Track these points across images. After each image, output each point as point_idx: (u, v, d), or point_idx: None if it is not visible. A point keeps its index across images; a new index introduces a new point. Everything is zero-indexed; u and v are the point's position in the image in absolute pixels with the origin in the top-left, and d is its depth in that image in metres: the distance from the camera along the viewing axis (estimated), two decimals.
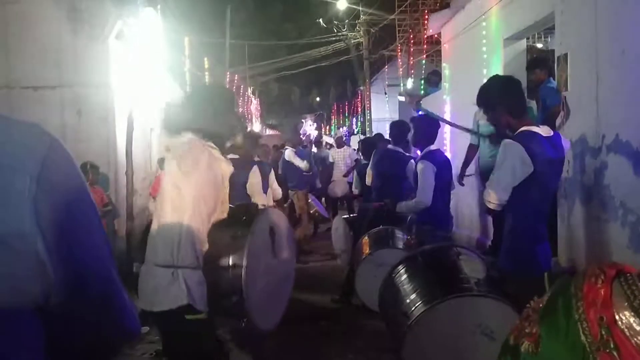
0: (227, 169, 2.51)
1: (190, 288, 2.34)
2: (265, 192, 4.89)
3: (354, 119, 30.55)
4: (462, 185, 6.32)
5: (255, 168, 4.36)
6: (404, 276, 2.98)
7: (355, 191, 7.74)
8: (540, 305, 0.95)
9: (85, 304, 0.80)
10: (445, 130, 8.87)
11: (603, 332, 0.82)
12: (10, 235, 0.69)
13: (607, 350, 0.81)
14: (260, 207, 3.46)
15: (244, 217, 2.74)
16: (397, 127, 6.03)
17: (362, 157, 8.30)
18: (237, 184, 4.08)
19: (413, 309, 2.66)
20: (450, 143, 8.75)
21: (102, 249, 0.83)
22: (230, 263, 2.60)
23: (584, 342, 0.84)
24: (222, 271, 2.61)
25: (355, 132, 27.68)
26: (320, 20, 20.90)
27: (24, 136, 0.76)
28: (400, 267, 3.04)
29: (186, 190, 2.38)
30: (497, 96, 2.97)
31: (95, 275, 0.81)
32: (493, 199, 2.84)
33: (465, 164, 6.46)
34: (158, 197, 2.53)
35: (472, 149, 6.45)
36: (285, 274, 3.20)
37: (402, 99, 14.24)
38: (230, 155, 3.93)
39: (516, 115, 2.93)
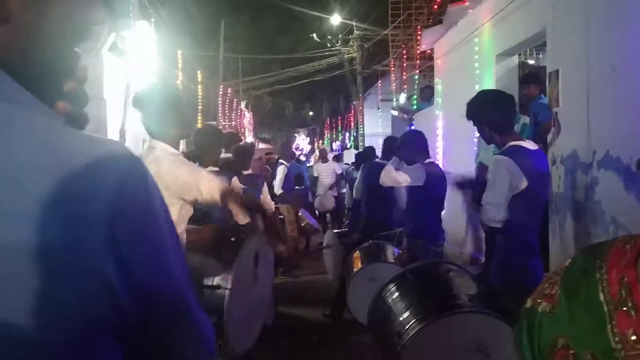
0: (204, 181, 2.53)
1: None
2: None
3: (347, 134, 30.64)
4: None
5: (235, 180, 4.13)
6: (395, 295, 2.96)
7: (348, 206, 7.74)
8: (562, 268, 0.95)
9: (158, 328, 0.79)
10: (438, 146, 8.90)
11: (623, 292, 0.81)
12: (79, 260, 0.67)
13: (625, 309, 0.80)
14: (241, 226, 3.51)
15: (233, 239, 2.74)
16: (386, 143, 6.05)
17: (353, 171, 8.32)
18: None
19: (407, 327, 2.63)
20: (443, 156, 8.77)
21: (176, 271, 0.80)
22: (214, 283, 2.59)
23: (602, 300, 0.82)
24: (205, 290, 2.59)
25: (349, 147, 27.75)
26: (314, 35, 21.04)
27: (101, 157, 0.71)
28: (390, 286, 3.01)
29: (172, 208, 2.39)
30: (482, 111, 2.99)
31: (168, 300, 0.79)
32: (495, 218, 2.81)
33: (478, 185, 6.36)
34: None
35: (484, 168, 6.26)
36: (262, 298, 3.21)
37: (395, 113, 14.29)
38: (210, 168, 3.88)
39: (500, 131, 2.94)
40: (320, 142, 36.79)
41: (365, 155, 7.37)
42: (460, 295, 2.78)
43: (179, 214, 2.42)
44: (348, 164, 14.74)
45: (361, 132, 21.11)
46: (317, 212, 11.50)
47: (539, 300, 0.93)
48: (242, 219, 4.12)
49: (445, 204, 4.90)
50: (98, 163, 0.70)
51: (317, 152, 20.63)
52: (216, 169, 3.94)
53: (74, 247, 0.67)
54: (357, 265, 4.96)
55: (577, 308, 0.86)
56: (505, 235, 2.87)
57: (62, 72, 0.80)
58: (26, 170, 0.66)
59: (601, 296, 0.83)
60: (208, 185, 2.42)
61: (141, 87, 2.72)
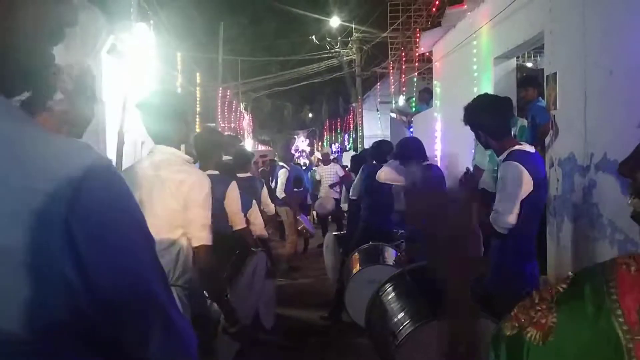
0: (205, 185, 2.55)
1: (184, 305, 2.37)
2: (246, 208, 4.65)
3: (346, 136, 30.66)
4: None
5: (233, 184, 4.07)
6: (392, 295, 2.97)
7: (344, 207, 7.73)
8: (552, 293, 0.88)
9: (130, 333, 0.77)
10: (436, 148, 8.92)
11: None
12: (37, 259, 0.67)
13: None
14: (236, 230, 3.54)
15: (237, 252, 2.78)
16: (380, 147, 6.05)
17: (352, 173, 8.32)
18: (214, 201, 3.95)
19: (401, 328, 2.64)
20: (441, 159, 8.79)
21: (145, 273, 0.79)
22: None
23: (617, 329, 0.78)
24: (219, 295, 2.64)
25: (348, 149, 27.77)
26: (313, 37, 21.06)
27: (62, 156, 0.71)
28: (387, 285, 3.03)
29: (182, 212, 2.40)
30: (478, 117, 3.00)
31: (137, 304, 0.77)
32: (504, 224, 2.81)
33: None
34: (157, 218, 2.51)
35: (479, 171, 6.29)
36: (252, 306, 3.25)
37: (394, 115, 14.32)
38: (209, 172, 3.88)
39: (497, 136, 2.95)
40: (320, 144, 36.82)
41: (363, 158, 7.37)
42: None
43: (184, 218, 2.42)
44: (347, 166, 14.75)
45: (360, 134, 21.14)
46: (315, 214, 11.51)
47: (527, 328, 0.86)
48: (238, 223, 4.13)
49: None
50: (58, 162, 0.71)
51: (316, 154, 20.64)
52: (216, 172, 3.95)
53: (31, 245, 0.67)
54: (356, 267, 4.97)
55: (585, 338, 0.81)
56: (502, 239, 2.88)
57: (35, 73, 0.79)
58: None
59: (616, 325, 0.78)
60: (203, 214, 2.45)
61: (144, 92, 2.72)
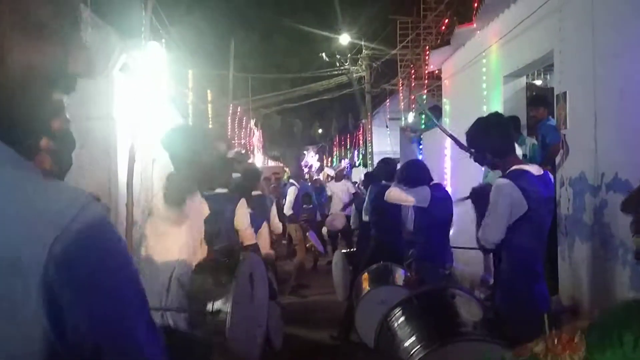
0: (205, 210, 2.58)
1: (178, 328, 2.40)
2: (256, 226, 4.66)
3: (356, 152, 30.68)
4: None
5: (242, 201, 4.11)
6: (401, 319, 2.95)
7: (353, 226, 7.72)
8: (575, 338, 0.86)
9: None
10: (446, 166, 8.90)
11: None
12: (15, 305, 0.67)
13: None
14: (246, 246, 3.53)
15: (227, 260, 2.77)
16: (387, 165, 6.04)
17: (363, 190, 8.32)
18: (224, 220, 4.00)
19: (411, 354, 2.62)
20: (451, 176, 8.76)
21: (126, 322, 0.77)
22: (215, 307, 2.61)
23: None
24: (207, 315, 2.62)
25: (357, 165, 27.77)
26: (323, 54, 21.18)
27: (47, 204, 0.69)
28: (395, 310, 3.01)
29: (177, 237, 2.43)
30: (481, 139, 3.01)
31: (116, 349, 0.75)
32: (487, 240, 2.87)
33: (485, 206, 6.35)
34: (148, 242, 2.55)
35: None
36: (258, 322, 3.22)
37: (403, 127, 14.35)
38: (218, 190, 3.91)
39: (502, 156, 2.96)
40: (330, 159, 36.86)
41: (375, 176, 7.37)
42: (465, 322, 2.77)
43: (189, 233, 2.45)
44: (356, 182, 14.72)
45: (370, 150, 21.16)
46: (326, 231, 11.48)
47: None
48: (248, 239, 4.14)
49: (454, 223, 4.90)
50: (43, 209, 0.69)
51: (326, 170, 20.69)
52: (225, 190, 3.97)
53: (7, 290, 0.66)
54: (365, 287, 4.95)
55: None
56: (509, 260, 2.87)
57: (38, 120, 0.77)
58: None
59: None
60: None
61: (170, 128, 2.76)
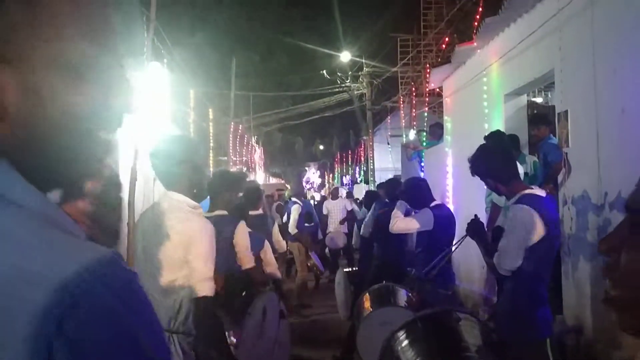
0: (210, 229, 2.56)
1: (185, 352, 2.38)
2: (259, 247, 4.57)
3: (357, 168, 30.73)
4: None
5: (242, 224, 3.98)
6: (404, 343, 2.92)
7: (356, 243, 7.70)
8: None
9: None
10: (448, 183, 8.89)
11: None
12: None
13: None
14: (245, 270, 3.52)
15: (243, 293, 2.75)
16: (389, 186, 6.06)
17: (365, 210, 8.30)
18: (223, 242, 3.90)
19: None
20: (453, 194, 8.74)
21: None
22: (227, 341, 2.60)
23: None
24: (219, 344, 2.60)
25: (359, 181, 27.79)
26: (324, 71, 21.31)
27: (56, 261, 0.59)
28: (399, 333, 2.98)
29: (183, 261, 2.42)
30: (484, 165, 3.00)
31: None
32: (506, 266, 2.79)
33: (490, 225, 6.28)
34: (159, 265, 2.52)
35: (497, 209, 6.24)
36: (268, 352, 3.19)
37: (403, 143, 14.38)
38: (217, 212, 3.88)
39: (505, 182, 2.95)
40: (331, 176, 36.89)
41: (377, 194, 7.36)
42: (469, 347, 2.74)
43: (186, 267, 2.43)
44: (358, 199, 14.71)
45: (371, 166, 21.18)
46: (327, 249, 11.44)
47: None
48: (246, 262, 4.06)
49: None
50: (51, 265, 0.59)
51: (326, 187, 20.66)
52: (224, 212, 3.94)
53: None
54: (367, 308, 4.90)
55: None
56: (515, 284, 2.83)
57: (82, 163, 0.70)
58: None
59: None
60: (204, 264, 2.44)
61: (155, 138, 2.75)
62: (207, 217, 3.35)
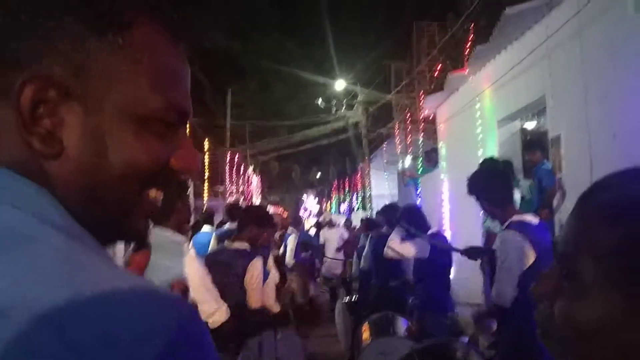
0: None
1: None
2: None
3: (354, 195, 30.70)
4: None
5: (258, 259, 3.80)
6: None
7: (355, 272, 7.66)
8: None
9: None
10: (444, 210, 8.89)
11: None
12: None
13: None
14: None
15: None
16: (387, 213, 6.05)
17: (363, 236, 8.27)
18: (233, 275, 3.82)
19: None
20: (449, 220, 8.73)
21: None
22: None
23: None
24: None
25: (357, 209, 27.72)
26: (319, 100, 21.44)
27: (118, 305, 0.47)
28: None
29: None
30: (481, 187, 3.01)
31: None
32: (502, 299, 2.76)
33: (486, 252, 6.24)
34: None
35: (492, 236, 6.12)
36: None
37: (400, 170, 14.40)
38: (237, 244, 3.86)
39: (500, 206, 2.95)
40: (329, 203, 36.84)
41: (374, 222, 7.34)
42: None
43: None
44: (355, 226, 14.64)
45: (368, 193, 21.15)
46: (323, 278, 11.34)
47: None
48: (255, 302, 3.92)
49: (455, 268, 4.86)
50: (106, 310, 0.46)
51: (325, 214, 20.64)
52: (245, 245, 3.92)
53: None
54: (366, 338, 4.86)
55: None
56: (514, 314, 2.81)
57: (132, 219, 0.65)
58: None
59: None
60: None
61: None
62: (224, 249, 3.40)
